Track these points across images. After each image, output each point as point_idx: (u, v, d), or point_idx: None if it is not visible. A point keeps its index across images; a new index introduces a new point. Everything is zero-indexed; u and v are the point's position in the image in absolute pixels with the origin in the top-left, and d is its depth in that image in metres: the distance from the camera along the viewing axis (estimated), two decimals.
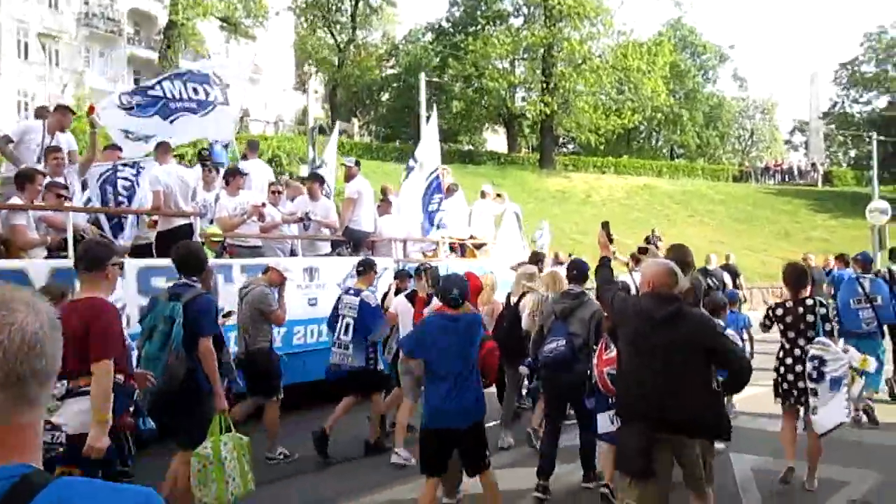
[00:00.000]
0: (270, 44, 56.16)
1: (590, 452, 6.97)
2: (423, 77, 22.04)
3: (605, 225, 6.01)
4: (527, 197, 35.37)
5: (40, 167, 8.45)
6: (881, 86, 62.72)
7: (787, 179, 57.43)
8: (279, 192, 11.29)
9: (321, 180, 11.44)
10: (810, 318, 6.69)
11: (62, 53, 49.17)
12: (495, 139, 65.94)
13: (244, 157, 12.42)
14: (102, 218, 9.20)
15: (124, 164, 9.59)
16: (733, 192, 49.86)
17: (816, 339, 6.56)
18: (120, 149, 10.18)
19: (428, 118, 15.63)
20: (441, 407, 5.52)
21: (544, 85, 48.43)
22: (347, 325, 7.99)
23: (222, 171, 10.97)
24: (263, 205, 10.28)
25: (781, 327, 6.90)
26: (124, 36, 53.19)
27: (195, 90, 10.33)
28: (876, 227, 29.02)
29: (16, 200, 7.76)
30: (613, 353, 5.84)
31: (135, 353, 5.72)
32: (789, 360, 6.77)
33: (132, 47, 53.32)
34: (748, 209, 45.01)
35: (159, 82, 10.40)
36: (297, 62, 63.82)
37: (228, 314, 7.56)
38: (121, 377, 4.38)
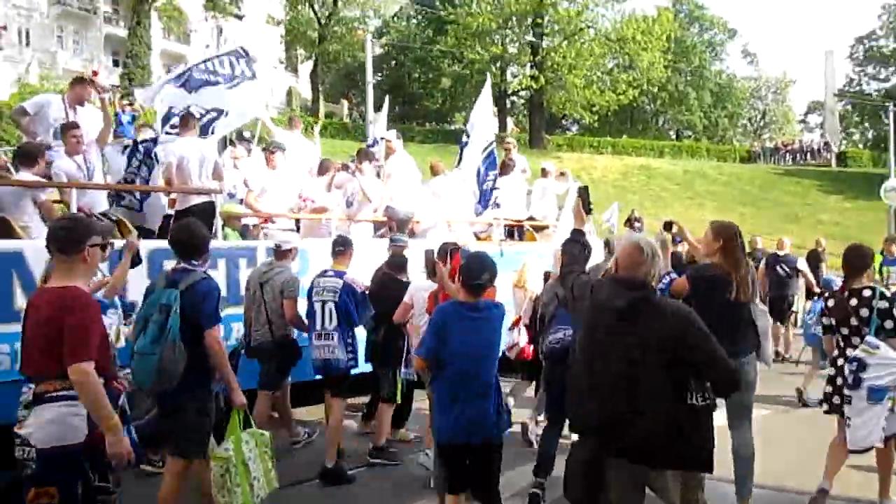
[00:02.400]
0: (256, 22, 54.73)
1: None
2: (368, 38, 19.21)
3: (583, 191, 5.13)
4: None
5: (56, 143, 8.29)
6: None
7: (798, 160, 54.98)
8: (330, 171, 10.98)
9: (370, 158, 10.86)
10: (864, 312, 5.80)
11: (33, 33, 47.76)
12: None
13: (289, 128, 12.17)
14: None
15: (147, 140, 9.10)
16: (739, 174, 48.14)
17: (866, 338, 5.72)
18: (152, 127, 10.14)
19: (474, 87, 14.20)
20: (447, 417, 4.89)
21: (533, 58, 46.28)
22: (331, 312, 7.07)
23: (253, 149, 11.09)
24: (306, 200, 10.03)
25: (833, 322, 6.07)
26: (100, 14, 51.79)
27: (221, 63, 10.35)
28: (892, 209, 26.44)
29: (23, 177, 7.50)
30: None
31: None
32: (840, 362, 5.94)
33: (109, 27, 51.93)
34: (754, 191, 43.53)
35: (204, 62, 10.47)
36: (286, 44, 61.88)
37: None
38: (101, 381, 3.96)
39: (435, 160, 12.80)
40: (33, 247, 6.56)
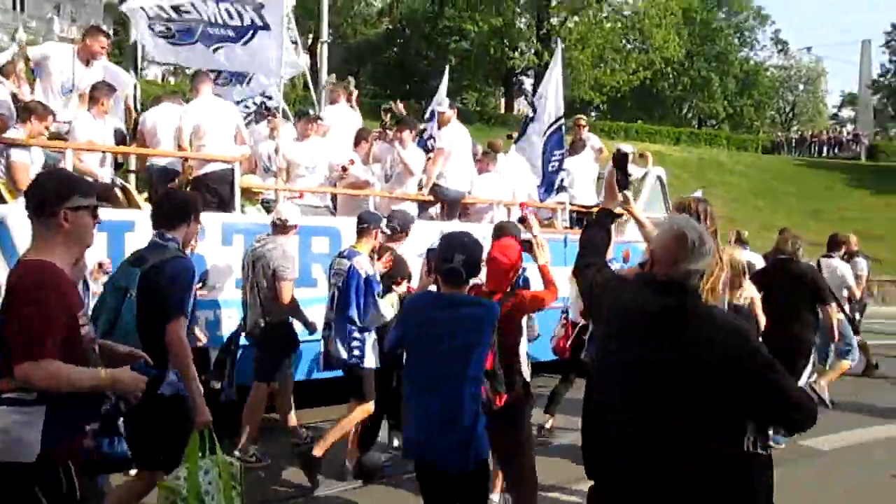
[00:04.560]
0: None
1: None
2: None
3: (621, 158, 3.95)
4: None
5: (61, 104, 7.94)
6: None
7: (826, 153, 52.86)
8: (368, 141, 10.34)
9: (412, 127, 10.06)
10: None
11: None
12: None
13: (332, 102, 11.26)
14: None
15: None
16: (758, 164, 46.29)
17: None
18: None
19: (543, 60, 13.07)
20: (415, 435, 4.14)
21: (537, 34, 44.36)
22: (334, 298, 6.57)
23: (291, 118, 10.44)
24: (351, 162, 9.32)
25: None
26: None
27: (228, 13, 9.47)
28: None
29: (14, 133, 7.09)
30: None
31: None
32: None
33: None
34: (773, 182, 41.63)
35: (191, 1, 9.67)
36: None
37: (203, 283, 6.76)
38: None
39: (494, 139, 12.12)
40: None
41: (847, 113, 73.53)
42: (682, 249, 3.10)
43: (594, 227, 3.90)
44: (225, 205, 7.87)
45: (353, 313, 6.46)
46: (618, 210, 4.18)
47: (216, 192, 7.95)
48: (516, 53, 45.43)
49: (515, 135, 12.70)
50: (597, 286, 3.53)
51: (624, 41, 47.58)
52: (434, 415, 4.06)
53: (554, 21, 44.56)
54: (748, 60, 63.74)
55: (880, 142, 57.33)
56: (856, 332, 10.32)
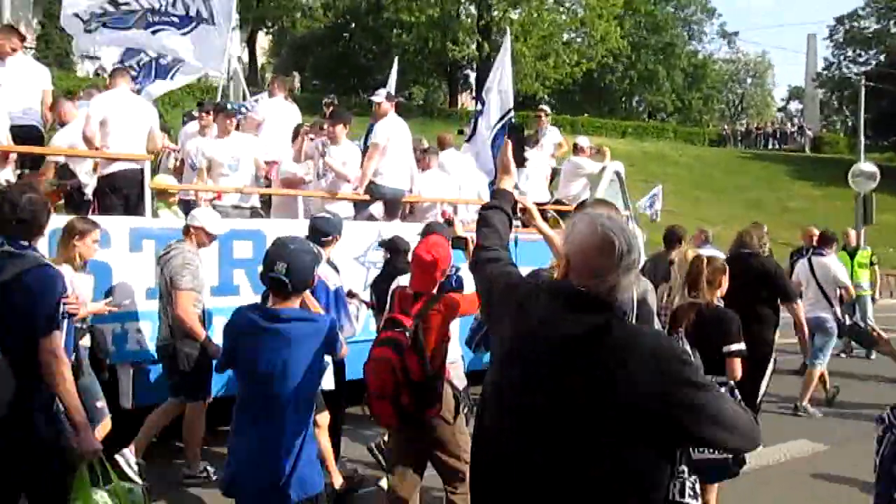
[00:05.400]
0: None
1: None
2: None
3: (516, 134, 3.57)
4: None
5: None
6: (881, 43, 57.21)
7: (771, 145, 53.38)
8: (308, 136, 9.69)
9: (346, 121, 9.42)
10: None
11: None
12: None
13: (270, 95, 10.86)
14: None
15: None
16: (703, 156, 46.42)
17: None
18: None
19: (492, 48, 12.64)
20: (229, 472, 3.68)
21: (479, 25, 44.11)
22: None
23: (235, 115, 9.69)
24: (271, 166, 9.23)
25: None
26: None
27: (174, 3, 9.53)
28: (861, 196, 24.27)
29: None
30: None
31: None
32: None
33: None
34: (716, 175, 41.78)
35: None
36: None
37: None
38: None
39: (443, 133, 11.70)
40: None
41: (795, 106, 74.28)
42: (608, 258, 2.45)
43: (492, 209, 3.23)
44: (134, 208, 7.38)
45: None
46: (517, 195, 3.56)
47: (123, 193, 7.48)
48: (457, 46, 45.02)
49: (467, 130, 12.37)
50: (497, 288, 2.84)
51: (566, 33, 47.58)
52: (249, 451, 3.64)
53: (495, 13, 44.38)
54: (696, 54, 64.17)
55: (825, 134, 58.07)
56: (840, 334, 9.75)
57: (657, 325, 5.34)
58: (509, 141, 3.41)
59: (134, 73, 10.10)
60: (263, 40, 61.38)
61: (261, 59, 57.91)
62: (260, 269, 3.94)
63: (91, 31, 9.65)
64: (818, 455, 7.61)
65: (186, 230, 6.48)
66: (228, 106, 9.91)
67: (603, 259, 2.40)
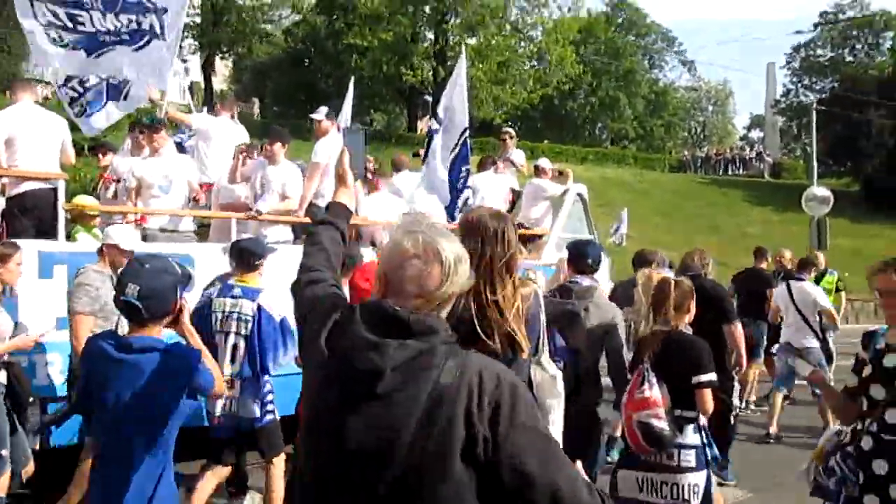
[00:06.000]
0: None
1: None
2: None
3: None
4: None
5: None
6: (836, 72, 58.45)
7: (731, 171, 53.73)
8: (247, 156, 9.28)
9: (284, 140, 9.14)
10: None
11: None
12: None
13: (215, 115, 10.53)
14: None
15: None
16: (661, 182, 46.52)
17: None
18: None
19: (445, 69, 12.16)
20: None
21: (435, 51, 44.39)
22: (236, 349, 5.63)
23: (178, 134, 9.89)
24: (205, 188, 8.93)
25: None
26: None
27: (129, 21, 9.22)
28: (814, 220, 24.31)
29: None
30: (654, 391, 4.48)
31: None
32: None
33: None
34: (675, 200, 41.75)
35: (88, 10, 9.14)
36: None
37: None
38: None
39: (399, 154, 11.89)
40: None
41: (756, 134, 74.94)
42: (433, 275, 2.09)
43: (323, 224, 2.82)
44: (47, 230, 6.88)
45: (270, 363, 5.68)
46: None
47: (35, 215, 7.02)
48: (411, 71, 45.03)
49: (422, 152, 11.83)
50: (321, 308, 2.37)
51: (521, 58, 47.79)
52: (102, 498, 3.30)
53: (451, 39, 44.61)
54: (657, 81, 64.92)
55: (784, 160, 58.74)
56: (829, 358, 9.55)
57: (627, 355, 5.29)
58: (345, 149, 3.01)
59: (75, 95, 9.80)
60: (221, 66, 61.27)
61: (220, 85, 57.55)
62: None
63: (49, 41, 9.32)
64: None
65: (100, 250, 6.12)
66: (144, 119, 9.72)
67: (426, 274, 2.08)
